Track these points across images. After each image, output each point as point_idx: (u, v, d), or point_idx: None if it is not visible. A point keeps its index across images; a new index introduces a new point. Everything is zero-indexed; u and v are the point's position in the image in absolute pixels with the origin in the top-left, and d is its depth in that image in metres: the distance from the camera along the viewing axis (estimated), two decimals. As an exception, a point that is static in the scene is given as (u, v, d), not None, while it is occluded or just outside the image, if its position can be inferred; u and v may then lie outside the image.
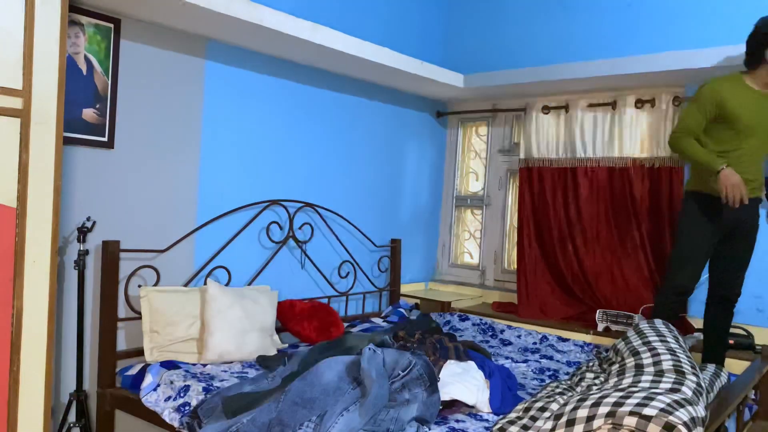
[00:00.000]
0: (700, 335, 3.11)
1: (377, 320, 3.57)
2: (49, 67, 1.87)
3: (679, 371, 1.93)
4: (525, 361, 3.00)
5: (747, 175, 2.66)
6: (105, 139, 2.58)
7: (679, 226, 2.89)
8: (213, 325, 2.62)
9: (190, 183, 2.93)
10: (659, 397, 1.64)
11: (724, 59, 2.97)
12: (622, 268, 3.59)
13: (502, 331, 3.52)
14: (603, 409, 1.64)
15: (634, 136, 3.57)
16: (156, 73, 2.75)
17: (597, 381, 2.38)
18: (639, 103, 3.55)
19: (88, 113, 2.53)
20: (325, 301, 3.50)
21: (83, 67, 2.50)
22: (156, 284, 2.72)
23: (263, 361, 2.63)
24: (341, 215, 3.68)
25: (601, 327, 3.42)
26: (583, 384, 2.40)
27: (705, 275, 2.92)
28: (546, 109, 3.89)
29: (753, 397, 2.61)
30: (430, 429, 1.96)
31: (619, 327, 3.36)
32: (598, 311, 3.46)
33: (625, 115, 3.58)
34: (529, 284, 3.86)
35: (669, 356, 2.08)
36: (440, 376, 2.20)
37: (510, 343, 3.39)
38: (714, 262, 2.87)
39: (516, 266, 4.00)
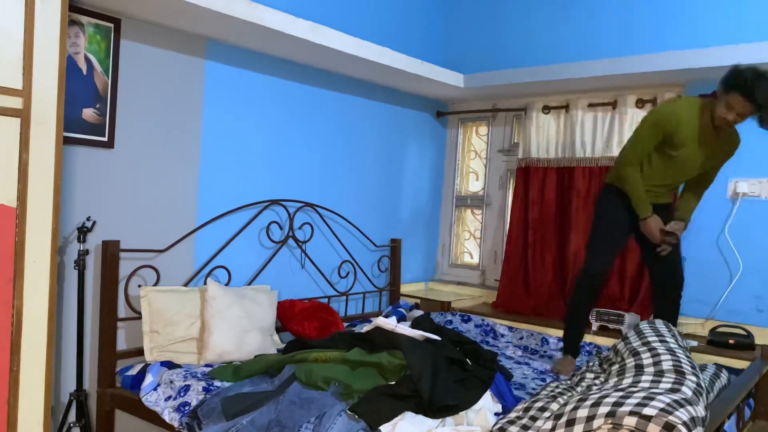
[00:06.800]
0: (695, 342, 3.12)
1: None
2: (49, 67, 1.87)
3: (679, 371, 1.93)
4: (526, 362, 3.00)
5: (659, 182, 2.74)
6: (105, 139, 2.58)
7: (595, 215, 2.91)
8: (213, 324, 2.62)
9: (190, 183, 2.93)
10: (659, 396, 1.64)
11: (724, 59, 2.97)
12: (621, 267, 3.58)
13: (503, 335, 3.53)
14: (603, 409, 1.64)
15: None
16: (156, 73, 2.75)
17: (597, 381, 2.38)
18: (640, 103, 3.54)
19: (88, 113, 2.53)
20: (325, 300, 3.50)
21: (83, 67, 2.50)
22: (156, 284, 2.72)
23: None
24: (341, 215, 3.68)
25: (595, 326, 3.42)
26: (583, 384, 2.40)
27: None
28: (546, 109, 3.89)
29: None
30: None
31: (613, 326, 3.36)
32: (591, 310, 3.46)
33: (626, 114, 3.57)
34: (513, 282, 3.90)
35: (669, 356, 2.07)
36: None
37: (511, 344, 3.40)
38: (649, 254, 2.86)
39: (503, 260, 4.03)
